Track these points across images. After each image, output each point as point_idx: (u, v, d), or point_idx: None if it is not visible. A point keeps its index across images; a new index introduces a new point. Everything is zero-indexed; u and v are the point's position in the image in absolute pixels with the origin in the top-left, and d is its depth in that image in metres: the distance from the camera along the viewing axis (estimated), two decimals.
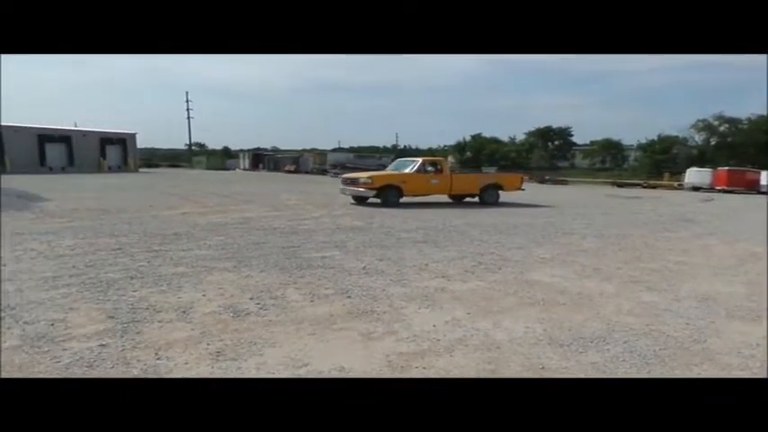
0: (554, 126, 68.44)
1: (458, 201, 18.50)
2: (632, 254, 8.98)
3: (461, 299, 5.73)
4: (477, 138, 70.96)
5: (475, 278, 6.74)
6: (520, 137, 72.03)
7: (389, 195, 16.18)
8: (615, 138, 66.55)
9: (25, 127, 43.06)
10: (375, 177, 16.54)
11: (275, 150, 77.20)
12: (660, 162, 53.36)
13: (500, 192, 18.75)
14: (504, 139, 73.86)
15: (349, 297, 5.66)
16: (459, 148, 70.31)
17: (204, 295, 5.59)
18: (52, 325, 4.54)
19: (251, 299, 5.50)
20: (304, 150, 68.98)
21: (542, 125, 68.35)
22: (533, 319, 5.07)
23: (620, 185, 39.44)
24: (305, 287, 6.05)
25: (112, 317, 4.78)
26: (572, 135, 69.69)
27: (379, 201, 16.33)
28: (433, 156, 74.54)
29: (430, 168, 17.45)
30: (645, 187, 38.55)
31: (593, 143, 71.26)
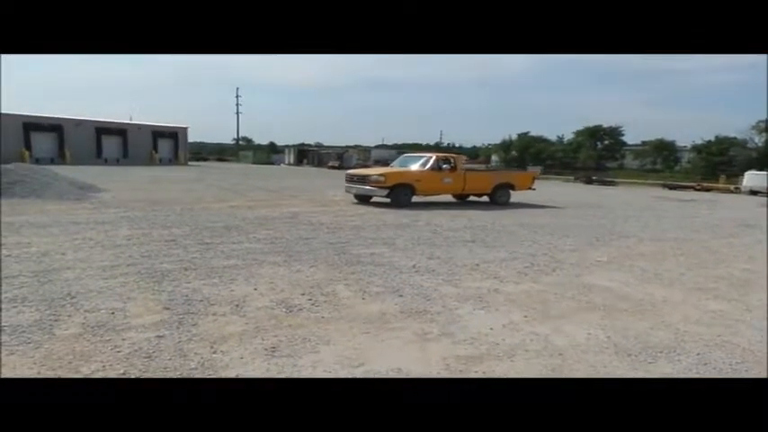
0: (604, 125, 66.35)
1: (462, 200, 17.31)
2: (694, 259, 8.52)
3: (516, 301, 5.53)
4: (523, 136, 69.53)
5: (528, 280, 6.52)
6: (568, 136, 70.21)
7: (402, 195, 14.77)
8: (668, 138, 64.08)
9: (85, 120, 44.97)
10: (388, 175, 14.95)
11: (319, 146, 78.06)
12: (716, 164, 50.98)
13: (511, 191, 17.45)
14: (552, 138, 72.22)
15: (401, 296, 5.56)
16: (505, 146, 69.07)
17: (256, 289, 5.59)
18: (112, 314, 4.62)
19: (302, 294, 5.47)
20: (348, 147, 69.42)
21: (592, 124, 66.39)
22: (595, 326, 4.84)
23: (672, 188, 37.77)
24: (355, 284, 5.98)
25: (168, 308, 4.83)
26: (623, 135, 67.32)
27: (389, 200, 14.85)
28: (476, 154, 74.45)
29: (444, 166, 15.89)
30: (698, 190, 36.80)
31: (644, 143, 68.72)
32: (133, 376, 3.47)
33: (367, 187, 14.84)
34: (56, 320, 4.40)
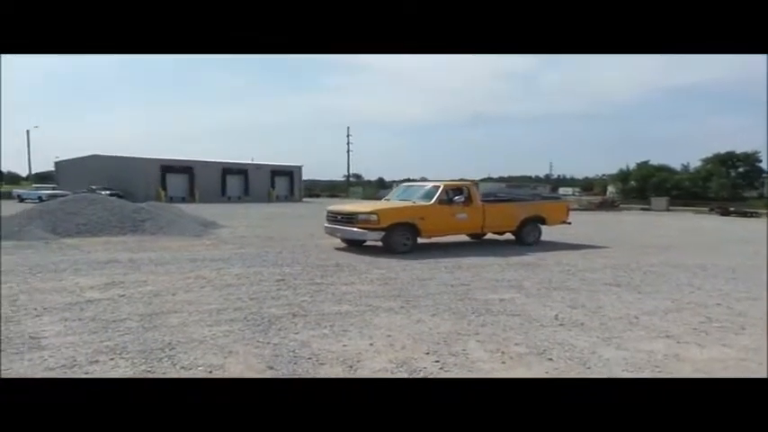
0: (737, 151, 59.36)
1: (479, 239, 13.71)
2: None
3: (710, 374, 4.15)
4: (642, 165, 64.17)
5: (714, 342, 5.05)
6: (694, 164, 63.67)
7: (400, 238, 11.08)
8: None
9: (212, 162, 48.57)
10: (382, 212, 11.13)
11: (424, 180, 77.84)
12: None
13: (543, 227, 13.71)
14: (676, 166, 65.92)
15: (550, 360, 4.42)
16: (622, 176, 64.06)
17: (372, 345, 4.75)
18: (210, 373, 3.99)
19: (427, 353, 4.53)
20: (453, 181, 68.52)
21: (721, 150, 59.70)
22: None
23: None
24: (489, 340, 4.93)
25: (271, 367, 4.12)
26: (760, 160, 59.66)
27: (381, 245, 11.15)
28: (590, 185, 69.41)
29: (457, 198, 11.92)
30: None
31: None
32: (133, 376, 3.38)
33: (355, 229, 11.16)
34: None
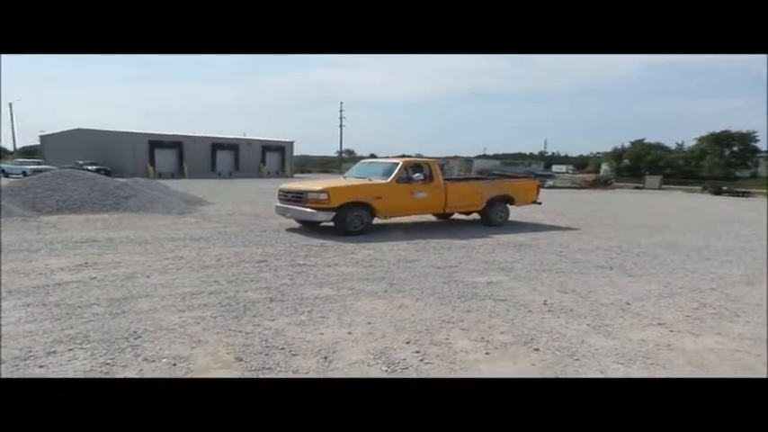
0: (732, 130, 59.05)
1: (445, 219, 13.14)
2: None
3: (704, 366, 3.95)
4: (637, 143, 63.90)
5: (708, 330, 4.84)
6: (689, 143, 63.46)
7: (353, 219, 10.33)
8: None
9: (202, 137, 47.77)
10: (333, 191, 10.32)
11: (419, 157, 77.23)
12: None
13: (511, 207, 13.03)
14: (670, 145, 65.75)
15: (537, 350, 4.19)
16: (616, 154, 63.90)
17: (350, 333, 4.51)
18: (174, 365, 3.73)
19: (407, 342, 4.29)
20: (448, 157, 67.94)
21: (716, 129, 59.39)
22: None
23: None
24: (474, 328, 4.70)
25: (240, 359, 3.86)
26: (757, 140, 59.45)
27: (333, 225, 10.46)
28: (584, 163, 69.07)
29: (416, 175, 11.17)
30: None
31: None
32: (133, 376, 3.37)
33: (304, 209, 10.45)
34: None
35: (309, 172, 67.10)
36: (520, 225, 12.63)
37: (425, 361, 3.90)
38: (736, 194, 36.11)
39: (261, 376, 3.40)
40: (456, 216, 13.22)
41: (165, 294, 5.60)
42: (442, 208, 11.85)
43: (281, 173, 51.43)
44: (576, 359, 4.02)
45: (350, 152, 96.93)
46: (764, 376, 3.63)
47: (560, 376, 3.59)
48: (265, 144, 52.39)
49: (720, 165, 57.36)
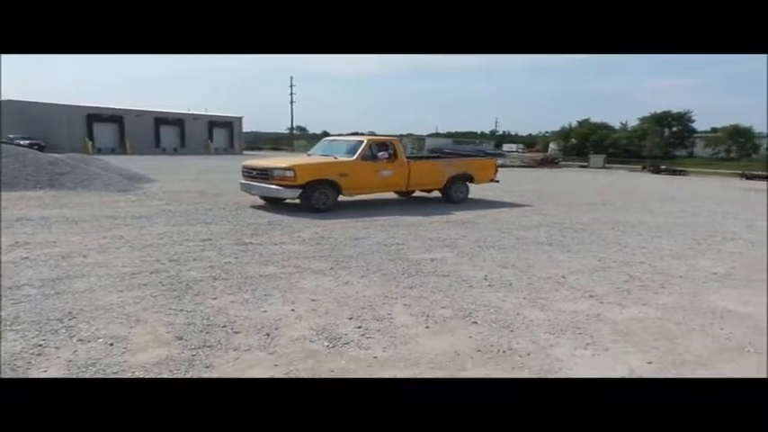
0: (672, 111, 61.91)
1: (407, 197, 13.52)
2: None
3: (628, 334, 4.22)
4: (584, 123, 65.90)
5: (635, 301, 5.15)
6: (632, 122, 66.03)
7: (319, 196, 10.48)
8: (744, 125, 59.10)
9: (145, 111, 45.80)
10: (299, 168, 10.35)
11: (372, 134, 76.85)
12: None
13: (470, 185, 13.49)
14: (615, 125, 68.16)
15: (475, 323, 4.35)
16: (564, 134, 65.74)
17: (293, 310, 4.53)
18: (110, 345, 3.66)
19: (350, 318, 4.36)
20: (401, 135, 68.05)
21: (658, 110, 62.13)
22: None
23: (750, 177, 34.24)
24: (415, 304, 4.82)
25: (181, 337, 3.83)
26: (693, 121, 62.60)
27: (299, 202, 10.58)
28: (533, 142, 70.83)
29: (381, 153, 11.37)
30: None
31: (715, 130, 63.81)
32: (133, 376, 3.33)
33: (271, 186, 10.47)
34: (38, 355, 3.48)
35: (260, 149, 65.81)
36: (465, 203, 12.89)
37: (366, 336, 3.99)
38: (674, 173, 38.00)
39: (260, 377, 3.39)
40: (417, 193, 13.44)
41: (103, 274, 5.44)
42: (405, 186, 12.16)
43: (229, 150, 50.18)
44: (511, 330, 4.20)
45: (302, 129, 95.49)
46: (764, 376, 3.67)
47: (557, 376, 3.59)
48: (213, 120, 50.86)
49: (660, 144, 60.00)
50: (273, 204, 11.33)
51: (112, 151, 39.70)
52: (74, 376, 3.27)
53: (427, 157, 13.44)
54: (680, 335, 4.26)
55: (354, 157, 11.12)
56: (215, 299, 4.76)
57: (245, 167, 11.51)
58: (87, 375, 3.25)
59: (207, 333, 3.93)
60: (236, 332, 3.98)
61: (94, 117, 42.24)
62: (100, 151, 37.05)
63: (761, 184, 27.67)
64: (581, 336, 4.15)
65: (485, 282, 5.63)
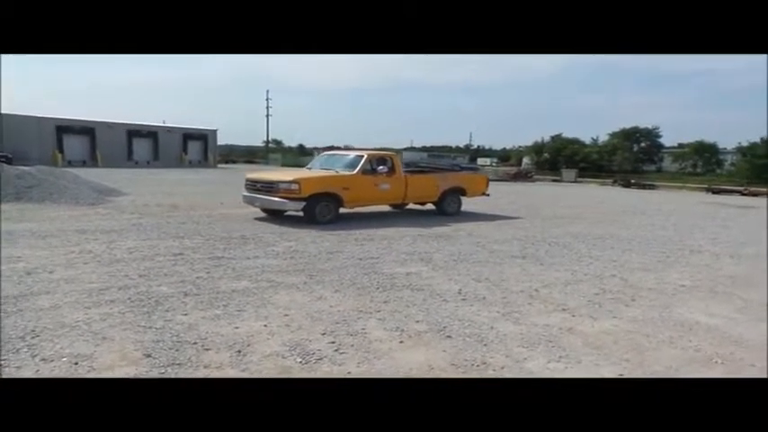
0: (641, 126, 63.78)
1: (401, 209, 13.89)
2: None
3: (600, 347, 4.27)
4: (556, 138, 67.27)
5: (606, 314, 5.22)
6: (603, 138, 67.66)
7: (323, 208, 10.79)
8: (709, 140, 61.33)
9: (117, 123, 44.99)
10: (304, 181, 10.68)
11: (348, 148, 76.83)
12: (762, 167, 48.10)
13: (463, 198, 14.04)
14: (586, 140, 69.73)
15: (449, 337, 4.35)
16: (537, 148, 66.91)
17: (266, 326, 4.47)
18: (75, 365, 3.55)
19: (323, 334, 4.32)
20: (377, 149, 68.25)
21: (627, 126, 63.93)
22: None
23: (716, 192, 35.37)
24: (390, 318, 4.80)
25: (149, 355, 3.74)
26: (660, 136, 64.62)
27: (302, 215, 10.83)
28: (507, 156, 72.04)
29: (380, 168, 11.75)
30: (745, 194, 34.33)
31: (682, 146, 65.88)
32: (133, 376, 3.36)
33: (275, 198, 10.75)
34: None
35: (234, 162, 65.28)
36: (438, 217, 12.96)
37: (340, 351, 3.95)
38: (643, 187, 38.94)
39: (260, 377, 3.40)
40: (379, 207, 13.50)
41: (69, 290, 5.28)
42: (402, 198, 12.59)
43: (203, 162, 49.58)
44: (485, 344, 4.21)
45: (277, 142, 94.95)
46: (764, 376, 3.69)
47: (558, 376, 3.61)
48: (187, 132, 50.18)
49: (630, 159, 61.51)
50: (249, 218, 11.22)
51: (83, 164, 38.83)
52: (74, 376, 3.30)
53: (422, 171, 13.89)
54: (650, 347, 4.32)
55: (355, 171, 11.52)
56: (185, 315, 4.66)
57: (248, 180, 11.77)
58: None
59: (176, 350, 3.84)
60: (207, 349, 3.90)
61: (65, 129, 41.29)
62: (70, 164, 36.19)
63: (726, 198, 28.56)
64: (554, 349, 4.18)
65: (459, 296, 5.64)
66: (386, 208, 13.75)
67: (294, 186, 10.55)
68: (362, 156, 11.95)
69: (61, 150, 39.96)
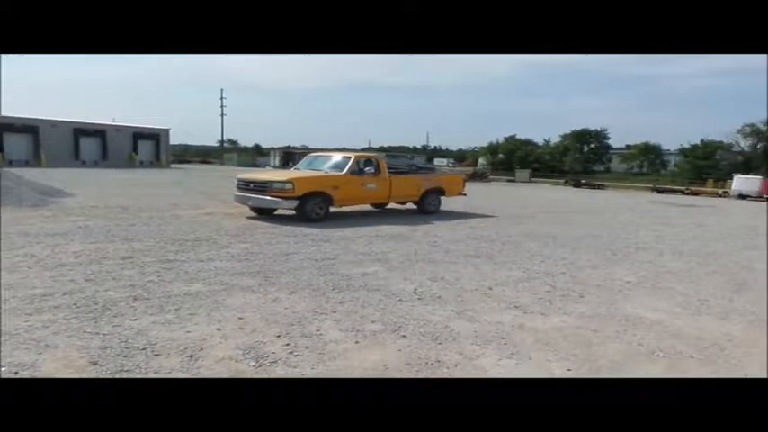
0: (590, 128, 66.18)
1: (382, 208, 14.44)
2: (733, 279, 7.48)
3: (550, 343, 4.40)
4: (510, 139, 68.88)
5: (556, 310, 5.39)
6: (555, 139, 69.77)
7: (315, 207, 11.34)
8: (653, 142, 64.39)
9: (62, 121, 43.13)
10: (297, 181, 11.21)
11: (305, 149, 76.33)
12: (702, 168, 50.85)
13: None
14: (539, 141, 71.73)
15: (404, 337, 4.39)
16: (492, 149, 68.35)
17: (219, 329, 4.40)
18: (15, 374, 3.40)
19: (278, 336, 4.28)
20: (335, 149, 67.99)
21: (578, 128, 66.21)
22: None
23: (660, 191, 37.15)
24: (346, 318, 4.80)
25: (95, 362, 3.62)
26: (608, 138, 67.39)
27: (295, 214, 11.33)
28: (463, 157, 73.27)
29: (367, 169, 12.53)
30: (687, 194, 36.23)
31: (629, 147, 68.75)
32: (133, 376, 3.41)
33: (267, 198, 11.14)
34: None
35: (189, 162, 63.71)
36: (396, 216, 13.05)
37: (295, 353, 3.93)
38: (593, 187, 40.38)
39: (261, 376, 3.42)
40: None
41: (9, 296, 5.04)
42: (387, 198, 13.38)
43: (155, 163, 48.14)
44: (439, 343, 4.28)
45: (233, 142, 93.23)
46: (764, 376, 3.72)
47: (557, 376, 3.63)
48: (137, 131, 48.57)
49: (580, 160, 63.64)
50: (203, 220, 11.00)
51: (26, 164, 37.06)
52: (74, 377, 3.32)
53: (405, 172, 14.75)
54: (597, 342, 4.49)
55: (344, 171, 12.17)
56: (135, 320, 4.53)
57: (240, 180, 12.12)
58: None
59: (125, 357, 3.73)
60: (157, 354, 3.81)
61: (5, 127, 39.23)
62: (11, 164, 34.44)
63: (669, 197, 29.92)
64: (505, 346, 4.28)
65: (414, 295, 5.70)
66: (367, 207, 14.08)
67: (288, 186, 11.07)
68: (350, 157, 12.63)
69: (1, 150, 38.03)
